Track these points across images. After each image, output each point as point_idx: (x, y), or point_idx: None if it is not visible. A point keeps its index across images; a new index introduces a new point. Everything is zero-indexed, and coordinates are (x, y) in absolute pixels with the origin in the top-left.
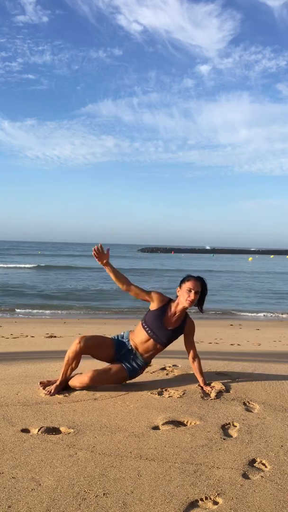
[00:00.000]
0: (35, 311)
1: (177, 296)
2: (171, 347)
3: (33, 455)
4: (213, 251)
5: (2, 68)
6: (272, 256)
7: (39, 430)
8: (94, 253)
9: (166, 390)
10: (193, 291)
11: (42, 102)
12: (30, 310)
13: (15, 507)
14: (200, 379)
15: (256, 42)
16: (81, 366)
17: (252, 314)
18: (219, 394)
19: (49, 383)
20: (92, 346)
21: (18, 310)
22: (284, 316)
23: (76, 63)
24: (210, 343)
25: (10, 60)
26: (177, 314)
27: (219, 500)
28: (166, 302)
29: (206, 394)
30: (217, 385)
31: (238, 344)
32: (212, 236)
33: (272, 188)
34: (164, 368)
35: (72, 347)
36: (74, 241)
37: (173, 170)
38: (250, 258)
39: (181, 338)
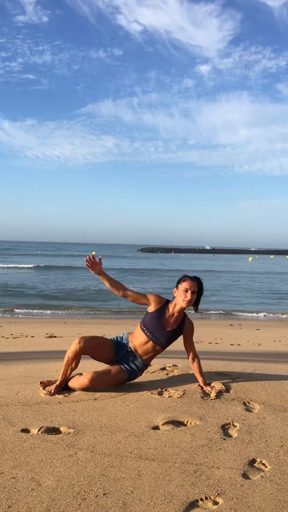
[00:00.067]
0: (35, 311)
1: (174, 297)
2: (170, 347)
3: (33, 455)
4: (213, 251)
5: (2, 68)
6: (272, 256)
7: (39, 430)
8: (86, 263)
9: (166, 390)
10: (189, 291)
11: (42, 102)
12: (30, 310)
13: (15, 507)
14: (200, 379)
15: (256, 42)
16: (80, 366)
17: (252, 314)
18: (219, 394)
19: (49, 383)
20: (91, 347)
21: (18, 310)
22: (284, 316)
23: (76, 63)
24: (210, 343)
25: (10, 60)
26: (175, 315)
27: (219, 500)
28: (164, 304)
29: (206, 394)
30: (217, 385)
31: (238, 344)
32: (212, 236)
33: (272, 188)
34: (164, 368)
35: (72, 347)
36: (74, 241)
37: (173, 170)
38: (250, 258)
39: (180, 338)
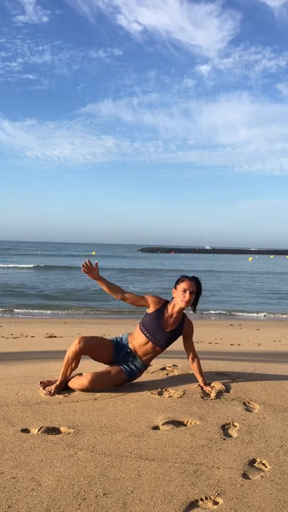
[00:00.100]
0: (35, 311)
1: (173, 298)
2: (170, 347)
3: (33, 455)
4: (213, 251)
5: (2, 68)
6: (272, 256)
7: (39, 430)
8: (83, 269)
9: (166, 390)
10: (188, 292)
11: (42, 102)
12: (30, 310)
13: (15, 507)
14: (200, 379)
15: (256, 42)
16: (80, 366)
17: (252, 314)
18: (219, 394)
19: (49, 383)
20: (91, 347)
21: (18, 310)
22: (284, 316)
23: (76, 63)
24: (210, 343)
25: (10, 60)
26: (174, 316)
27: (219, 500)
28: (163, 304)
29: (206, 394)
30: (217, 385)
31: (238, 344)
32: (212, 236)
33: (272, 188)
34: (164, 368)
35: (72, 348)
36: (74, 241)
37: (173, 170)
38: (250, 258)
39: (180, 338)
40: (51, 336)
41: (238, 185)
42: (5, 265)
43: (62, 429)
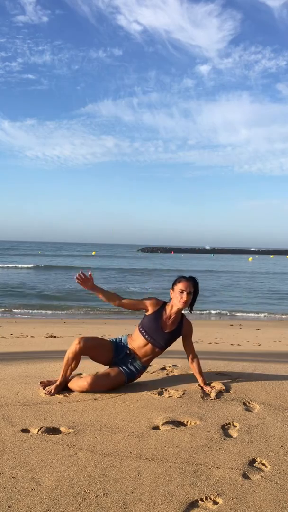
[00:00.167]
0: (35, 311)
1: (170, 299)
2: (170, 347)
3: (33, 455)
4: (213, 251)
5: (2, 68)
6: (272, 256)
7: (39, 430)
8: (77, 281)
9: (166, 390)
10: (185, 292)
11: (42, 102)
12: (30, 310)
13: (15, 507)
14: (199, 379)
15: (256, 42)
16: (80, 366)
17: (252, 314)
18: (219, 394)
19: (49, 383)
20: (91, 347)
21: (18, 310)
22: (284, 316)
23: (76, 63)
24: (210, 343)
25: (10, 60)
26: (172, 317)
27: (219, 500)
28: (161, 306)
29: (206, 394)
30: (217, 385)
31: (238, 344)
32: (212, 236)
33: (272, 188)
34: (164, 368)
35: (72, 348)
36: (74, 241)
37: (173, 170)
38: (250, 258)
39: (179, 338)
40: (51, 336)
41: (238, 185)
42: (5, 265)
43: (62, 429)
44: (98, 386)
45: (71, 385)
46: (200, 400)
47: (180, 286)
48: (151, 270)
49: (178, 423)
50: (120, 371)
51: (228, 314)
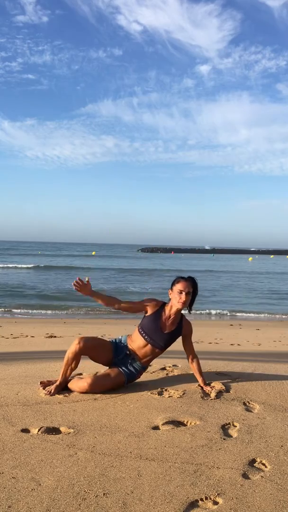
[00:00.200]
0: (34, 311)
1: (170, 299)
2: (170, 347)
3: (33, 455)
4: (213, 251)
5: (2, 68)
6: (272, 256)
7: (39, 430)
8: (75, 287)
9: (166, 390)
10: (184, 293)
11: (42, 102)
12: (29, 310)
13: (15, 507)
14: (199, 379)
15: (256, 42)
16: (80, 366)
17: (252, 314)
18: (219, 394)
19: (49, 383)
20: (91, 347)
21: (18, 310)
22: (284, 316)
23: (76, 63)
24: (210, 343)
25: (10, 60)
26: (172, 317)
27: (219, 500)
28: (160, 306)
29: (206, 394)
30: (217, 385)
31: (238, 344)
32: (212, 236)
33: (272, 188)
34: (164, 368)
35: (72, 348)
36: (74, 241)
37: (173, 170)
38: (250, 258)
39: (179, 338)
40: (51, 336)
41: (238, 185)
42: (5, 265)
43: (62, 429)
44: (98, 387)
45: (71, 385)
46: (200, 400)
47: (178, 286)
48: (151, 270)
49: (178, 423)
50: (120, 371)
51: (228, 314)
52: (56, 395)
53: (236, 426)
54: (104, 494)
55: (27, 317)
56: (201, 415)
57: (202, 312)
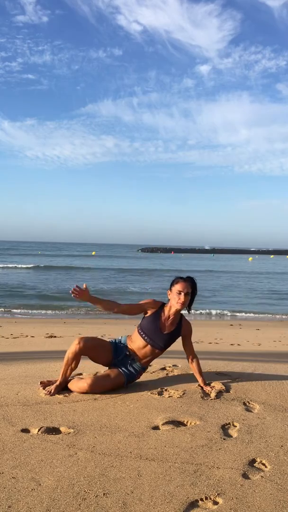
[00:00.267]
0: (34, 311)
1: (169, 300)
2: (170, 347)
3: (33, 455)
4: (213, 251)
5: (2, 68)
6: (272, 256)
7: (39, 430)
8: (74, 295)
9: (166, 390)
10: (183, 293)
11: (42, 102)
12: (29, 310)
13: (15, 507)
14: (199, 379)
15: (256, 42)
16: (80, 366)
17: (252, 314)
18: (219, 394)
19: (49, 383)
20: (91, 348)
21: (18, 310)
22: (284, 316)
23: (76, 63)
24: (210, 343)
25: (10, 60)
26: (171, 318)
27: (219, 500)
28: (159, 307)
29: (206, 394)
30: (217, 385)
31: (238, 344)
32: (212, 236)
33: (272, 188)
34: (164, 368)
35: (72, 348)
36: (74, 241)
37: (173, 170)
38: (250, 258)
39: (179, 339)
40: (51, 336)
41: (238, 185)
42: (5, 265)
43: (62, 429)
44: (98, 387)
45: (70, 386)
46: (200, 400)
47: (177, 287)
48: (151, 270)
49: (178, 423)
50: (120, 372)
51: (228, 314)
52: (56, 395)
53: (236, 426)
54: (104, 494)
55: (27, 317)
56: (201, 415)
57: (202, 312)
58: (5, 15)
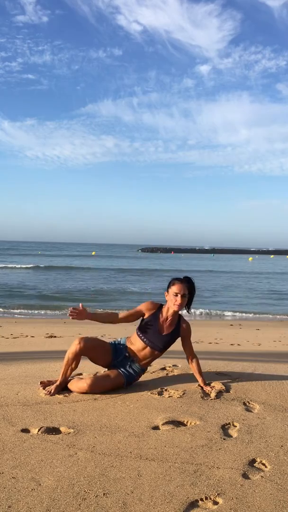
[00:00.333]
0: (35, 311)
1: (167, 301)
2: (171, 347)
3: (33, 455)
4: (213, 251)
5: (2, 68)
6: (272, 256)
7: (39, 430)
8: (73, 317)
9: (166, 390)
10: (179, 295)
11: (42, 102)
12: (30, 310)
13: (15, 507)
14: (199, 379)
15: (256, 42)
16: (80, 366)
17: (252, 314)
18: (219, 394)
19: (49, 383)
20: (91, 348)
21: (18, 310)
22: (284, 316)
23: (76, 63)
24: (210, 343)
25: (10, 60)
26: (169, 319)
27: (219, 500)
28: (157, 309)
29: (206, 394)
30: (217, 385)
31: (238, 344)
32: (212, 236)
33: (272, 188)
34: (164, 368)
35: (72, 348)
36: (74, 241)
37: (173, 170)
38: (250, 258)
39: (178, 340)
40: (51, 336)
41: (238, 185)
42: (5, 265)
43: (62, 429)
44: (98, 387)
45: (70, 386)
46: (200, 400)
47: (174, 289)
48: (151, 270)
49: (178, 423)
50: (120, 373)
51: (228, 314)
52: (56, 395)
53: (236, 426)
54: (104, 494)
55: (27, 317)
56: (201, 415)
57: (202, 312)
58: (5, 15)
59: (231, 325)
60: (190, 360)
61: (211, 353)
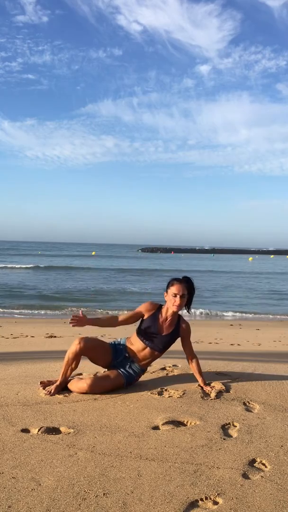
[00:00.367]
0: (35, 311)
1: (166, 301)
2: (171, 347)
3: (33, 455)
4: (213, 251)
5: (2, 68)
6: (272, 256)
7: (39, 430)
8: (74, 325)
9: (166, 390)
10: (178, 296)
11: (42, 102)
12: (30, 310)
13: (15, 507)
14: (199, 379)
15: (256, 42)
16: (80, 366)
17: (252, 315)
18: (219, 394)
19: (49, 383)
20: (91, 348)
21: (18, 310)
22: (284, 316)
23: (76, 63)
24: (210, 343)
25: (10, 60)
26: (169, 319)
27: (219, 500)
28: (157, 309)
29: (206, 394)
30: (217, 385)
31: (238, 344)
32: (212, 236)
33: (272, 188)
34: (164, 368)
35: (72, 348)
36: (74, 241)
37: (173, 170)
38: (250, 258)
39: (178, 340)
40: (51, 336)
41: (238, 185)
42: (5, 265)
43: (62, 429)
44: (97, 388)
45: (70, 386)
46: (200, 400)
47: (172, 289)
48: (151, 270)
49: (178, 423)
50: (119, 373)
51: (228, 314)
52: (56, 395)
53: (236, 426)
54: (104, 494)
55: (27, 317)
56: (201, 415)
57: (202, 312)
58: (5, 15)
59: (231, 325)
60: (190, 360)
61: (211, 353)
